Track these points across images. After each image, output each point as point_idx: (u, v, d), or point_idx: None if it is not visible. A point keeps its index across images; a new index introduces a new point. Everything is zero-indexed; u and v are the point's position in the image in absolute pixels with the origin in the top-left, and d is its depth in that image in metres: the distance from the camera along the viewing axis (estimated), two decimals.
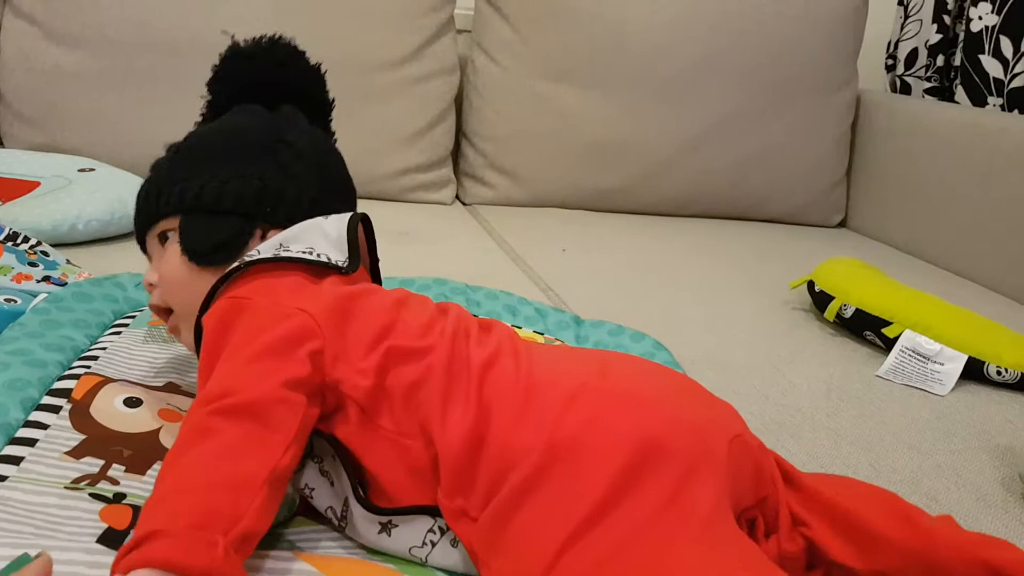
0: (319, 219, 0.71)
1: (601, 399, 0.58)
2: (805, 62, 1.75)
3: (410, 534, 0.59)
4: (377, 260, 0.76)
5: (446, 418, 0.58)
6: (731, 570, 0.50)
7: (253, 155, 0.72)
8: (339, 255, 0.69)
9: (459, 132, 1.77)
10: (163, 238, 0.73)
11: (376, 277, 0.77)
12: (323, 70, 0.81)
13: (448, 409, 0.58)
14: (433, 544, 0.58)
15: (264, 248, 0.68)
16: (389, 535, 0.59)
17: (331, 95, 0.82)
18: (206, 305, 0.67)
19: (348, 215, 0.72)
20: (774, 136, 1.76)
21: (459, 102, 1.76)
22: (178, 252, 0.72)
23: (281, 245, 0.68)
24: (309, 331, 0.61)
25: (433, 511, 0.58)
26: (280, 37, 0.78)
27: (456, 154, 1.77)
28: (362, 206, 0.86)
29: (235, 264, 0.68)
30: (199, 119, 0.81)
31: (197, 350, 0.66)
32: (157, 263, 0.74)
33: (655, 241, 1.58)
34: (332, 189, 0.77)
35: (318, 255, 0.68)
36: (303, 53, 0.79)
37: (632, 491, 0.52)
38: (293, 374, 0.58)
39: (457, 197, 1.77)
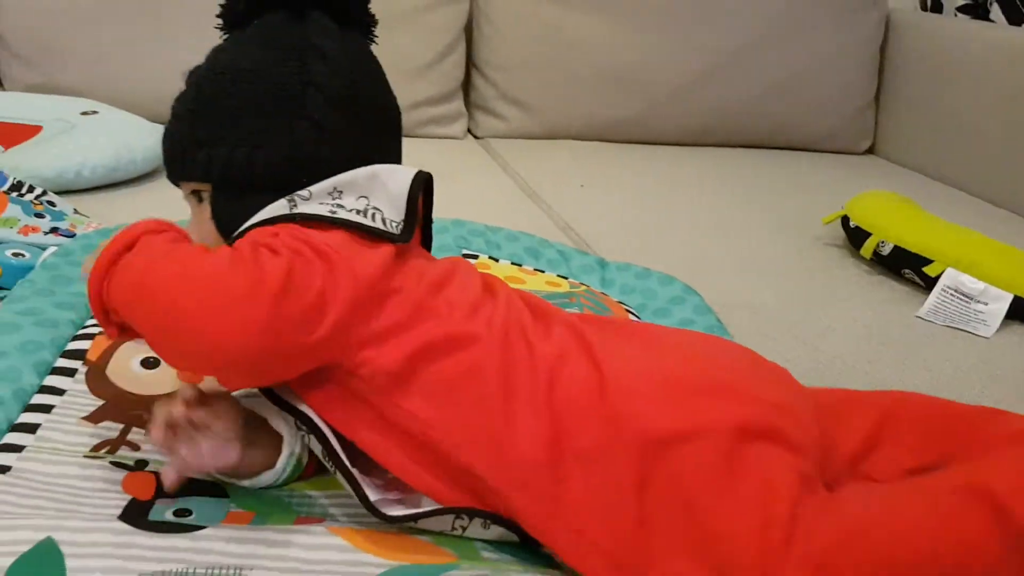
0: (380, 167, 0.63)
1: (693, 393, 0.57)
2: None
3: (437, 525, 0.57)
4: (431, 222, 0.68)
5: (514, 424, 0.55)
6: None
7: (279, 108, 0.62)
8: (395, 214, 0.61)
9: (469, 62, 1.70)
10: (198, 196, 0.65)
11: (428, 241, 0.68)
12: None
13: (514, 414, 0.55)
14: (464, 528, 0.57)
15: (317, 192, 0.61)
16: (416, 523, 0.57)
17: None
18: None
19: (414, 171, 0.64)
20: (798, 60, 1.69)
21: (468, 30, 1.69)
22: (212, 219, 0.64)
23: (335, 189, 0.61)
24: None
25: (453, 511, 0.57)
26: None
27: (466, 85, 1.71)
28: None
29: (279, 213, 0.60)
30: (219, 29, 0.68)
31: None
32: (194, 223, 0.66)
33: (674, 173, 1.52)
34: (376, 130, 0.67)
35: (372, 214, 0.61)
36: None
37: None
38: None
39: (468, 130, 1.71)
